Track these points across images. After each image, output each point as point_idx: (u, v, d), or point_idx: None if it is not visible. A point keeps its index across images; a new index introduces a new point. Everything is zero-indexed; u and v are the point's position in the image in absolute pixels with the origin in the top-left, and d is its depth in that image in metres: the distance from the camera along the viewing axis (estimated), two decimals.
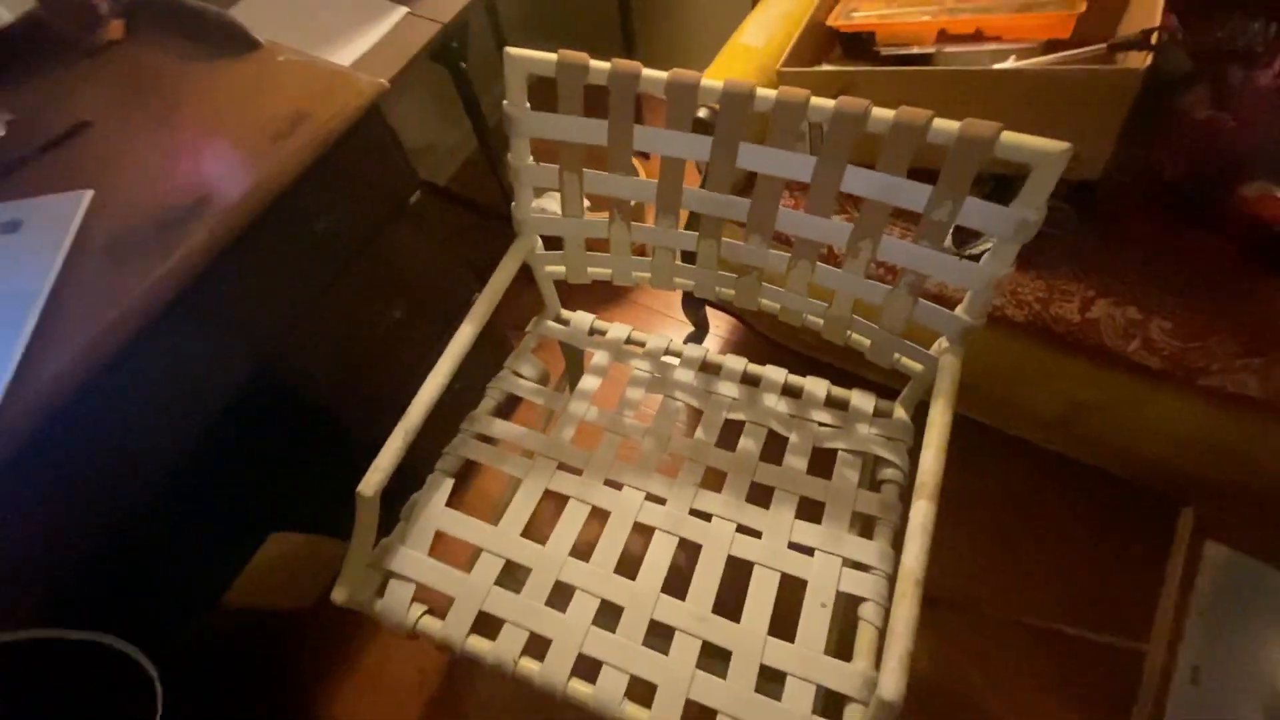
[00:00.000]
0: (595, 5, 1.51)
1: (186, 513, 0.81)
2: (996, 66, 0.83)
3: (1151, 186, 0.87)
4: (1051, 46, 0.88)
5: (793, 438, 0.90)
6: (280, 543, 1.04)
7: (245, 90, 0.71)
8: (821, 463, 0.87)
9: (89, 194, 0.62)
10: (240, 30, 0.75)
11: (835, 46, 1.03)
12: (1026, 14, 0.86)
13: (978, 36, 0.90)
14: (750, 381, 0.96)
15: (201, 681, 0.77)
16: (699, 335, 1.31)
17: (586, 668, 0.73)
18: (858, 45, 1.01)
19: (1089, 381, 0.86)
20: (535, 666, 0.73)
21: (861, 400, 0.92)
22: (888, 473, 0.84)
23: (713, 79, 0.71)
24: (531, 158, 0.82)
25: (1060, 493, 1.17)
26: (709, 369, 0.98)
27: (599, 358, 1.00)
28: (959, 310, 0.73)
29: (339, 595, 0.73)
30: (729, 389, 0.96)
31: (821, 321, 0.87)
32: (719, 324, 1.43)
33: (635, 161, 0.90)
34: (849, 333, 0.86)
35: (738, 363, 0.97)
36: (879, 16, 0.94)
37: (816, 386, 0.94)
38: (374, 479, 0.71)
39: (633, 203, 0.86)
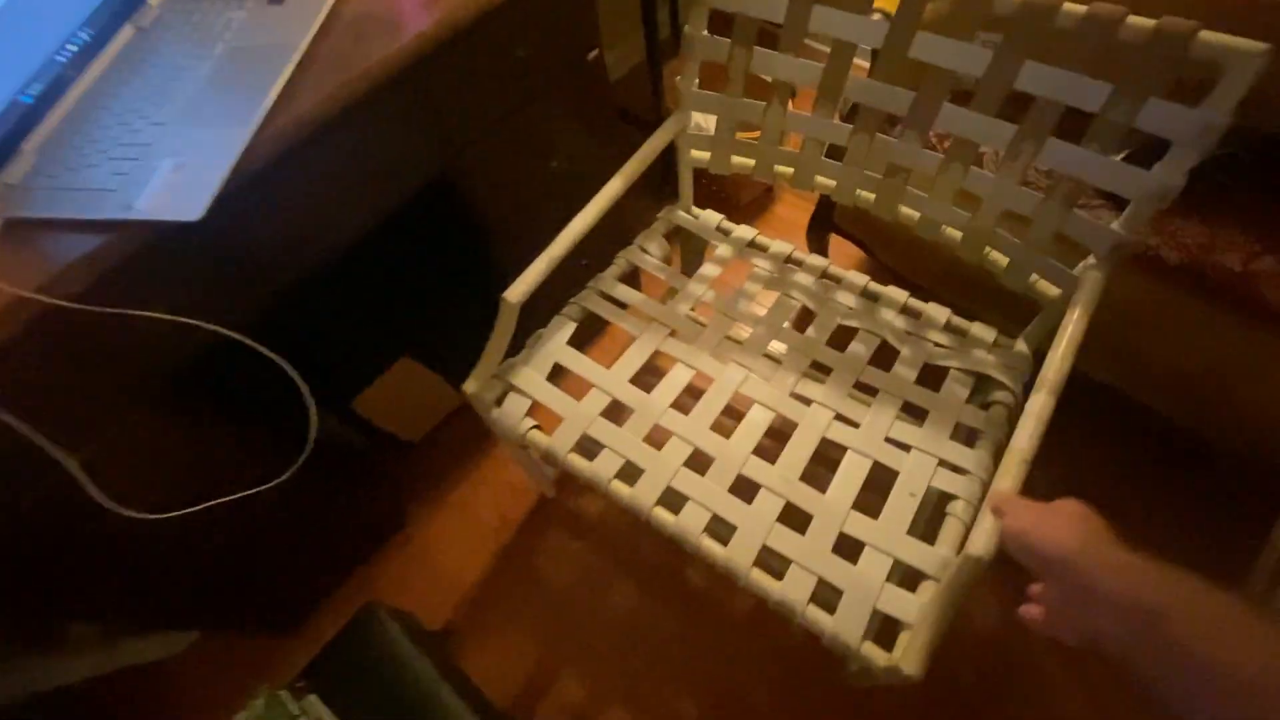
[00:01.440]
0: None
1: (350, 297, 0.92)
2: None
3: None
4: None
5: (905, 350, 0.91)
6: (408, 369, 1.15)
7: None
8: (931, 380, 0.87)
9: None
10: None
11: None
12: None
13: None
14: (869, 297, 0.97)
15: (319, 460, 0.88)
16: None
17: (673, 502, 0.77)
18: None
19: (1237, 340, 0.80)
20: (626, 489, 0.78)
21: (982, 330, 0.91)
22: (999, 394, 0.83)
23: None
24: (705, 31, 0.86)
25: (1183, 479, 1.10)
26: (829, 278, 1.00)
27: (722, 250, 1.04)
28: (1115, 224, 0.71)
29: (470, 386, 0.82)
30: (847, 298, 0.97)
31: (960, 235, 0.86)
32: (839, 258, 1.41)
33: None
34: (987, 249, 0.85)
35: (859, 278, 0.98)
36: None
37: (938, 312, 0.94)
38: (519, 289, 0.79)
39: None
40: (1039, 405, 0.65)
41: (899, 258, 1.13)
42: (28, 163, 0.60)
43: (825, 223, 1.21)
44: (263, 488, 0.75)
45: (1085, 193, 0.74)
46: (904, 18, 0.74)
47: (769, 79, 0.86)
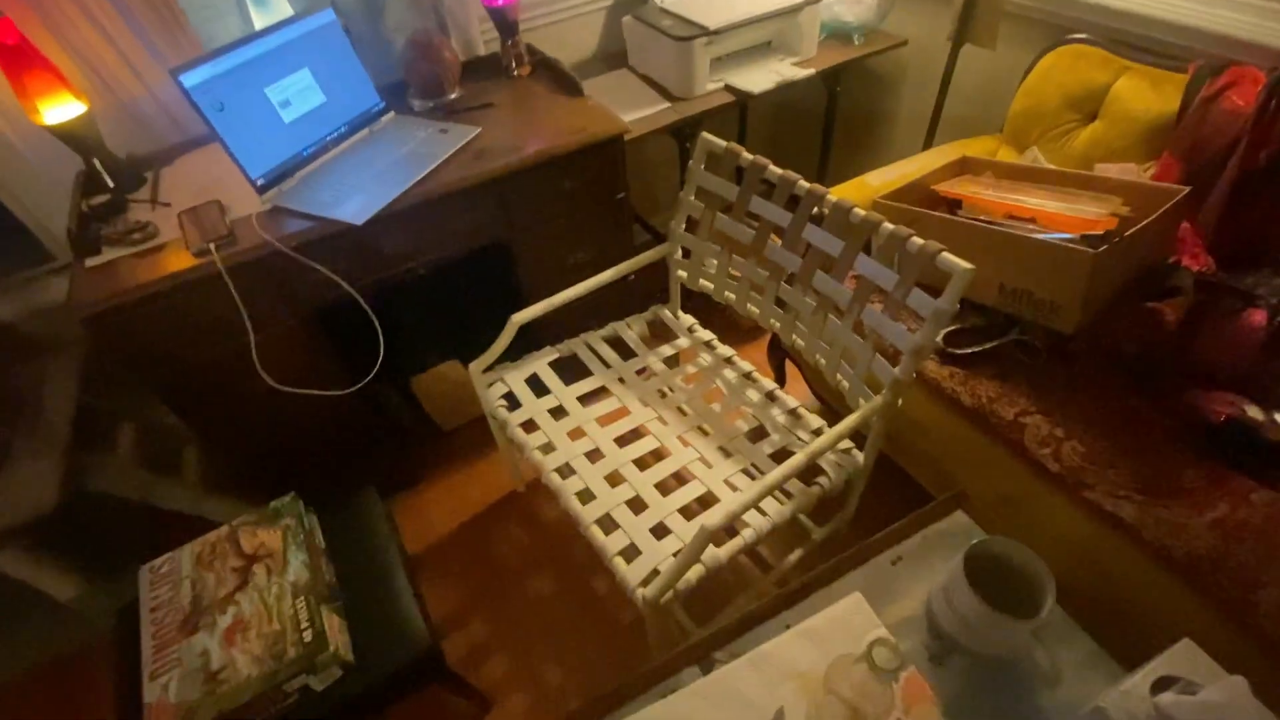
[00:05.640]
0: (808, 143, 2.04)
1: (430, 306, 1.41)
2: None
3: (1116, 356, 1.08)
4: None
5: (774, 435, 1.23)
6: (455, 369, 1.63)
7: (568, 111, 1.36)
8: (781, 457, 1.18)
9: (478, 130, 1.29)
10: (577, 85, 1.41)
11: (939, 207, 1.39)
12: (1072, 215, 1.15)
13: (1032, 221, 1.20)
14: (770, 397, 1.32)
15: (380, 411, 1.34)
16: (778, 384, 1.67)
17: (565, 473, 1.14)
18: (951, 209, 1.36)
19: (1007, 473, 1.06)
20: (540, 456, 1.16)
21: (825, 447, 1.21)
22: (821, 479, 1.13)
23: (808, 184, 1.15)
24: (694, 197, 1.33)
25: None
26: (748, 379, 1.36)
27: (682, 340, 1.44)
28: (895, 369, 1.04)
29: (473, 366, 1.26)
30: (753, 395, 1.32)
31: (824, 361, 1.21)
32: (794, 380, 1.74)
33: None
34: (838, 375, 1.18)
35: (769, 384, 1.34)
36: (969, 191, 1.29)
37: (813, 418, 1.26)
38: (522, 315, 1.24)
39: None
40: (786, 468, 0.97)
41: (815, 380, 1.47)
42: (295, 181, 1.18)
43: (777, 348, 1.58)
44: (342, 392, 1.22)
45: (884, 346, 1.07)
46: (801, 213, 1.16)
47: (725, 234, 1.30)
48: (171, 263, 1.06)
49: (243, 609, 0.91)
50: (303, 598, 0.91)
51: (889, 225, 1.03)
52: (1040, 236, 1.11)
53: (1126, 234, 1.04)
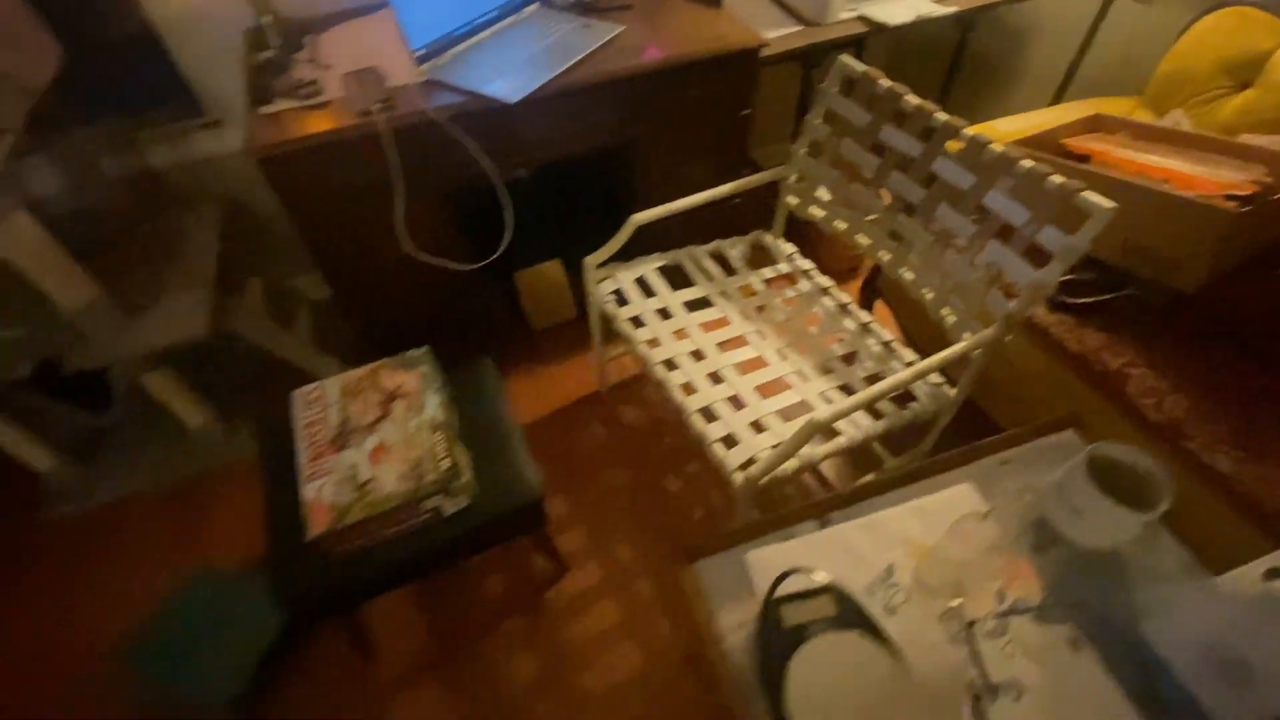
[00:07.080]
0: (924, 85, 2.00)
1: (550, 202, 1.47)
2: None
3: (1232, 320, 1.08)
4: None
5: (868, 362, 1.28)
6: (555, 269, 1.70)
7: (705, 19, 1.37)
8: (875, 382, 1.23)
9: (621, 28, 1.32)
10: None
11: (1067, 159, 1.37)
12: (1210, 178, 1.13)
13: (1165, 182, 1.18)
14: (864, 326, 1.35)
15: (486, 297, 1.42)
16: None
17: (671, 367, 1.21)
18: (1080, 162, 1.34)
19: (1103, 421, 1.09)
20: (648, 349, 1.23)
21: (929, 369, 1.25)
22: (914, 405, 1.18)
23: (945, 115, 1.15)
24: (820, 120, 1.34)
25: None
26: (845, 310, 1.39)
27: (783, 265, 1.48)
28: (1010, 304, 1.06)
29: (589, 259, 1.33)
30: (849, 324, 1.36)
31: (931, 294, 1.23)
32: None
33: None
34: (944, 310, 1.21)
35: (865, 315, 1.37)
36: (1099, 148, 1.28)
37: (907, 352, 1.30)
38: (641, 216, 1.29)
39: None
40: (901, 377, 1.01)
41: (909, 320, 1.49)
42: (448, 57, 1.23)
43: (872, 286, 1.60)
44: (469, 266, 1.30)
45: (1001, 281, 1.09)
46: (934, 145, 1.17)
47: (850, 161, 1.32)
48: (335, 119, 1.13)
49: (386, 436, 1.01)
50: (440, 432, 1.01)
51: (1028, 161, 1.04)
52: (1177, 193, 1.11)
53: (1273, 198, 1.03)
